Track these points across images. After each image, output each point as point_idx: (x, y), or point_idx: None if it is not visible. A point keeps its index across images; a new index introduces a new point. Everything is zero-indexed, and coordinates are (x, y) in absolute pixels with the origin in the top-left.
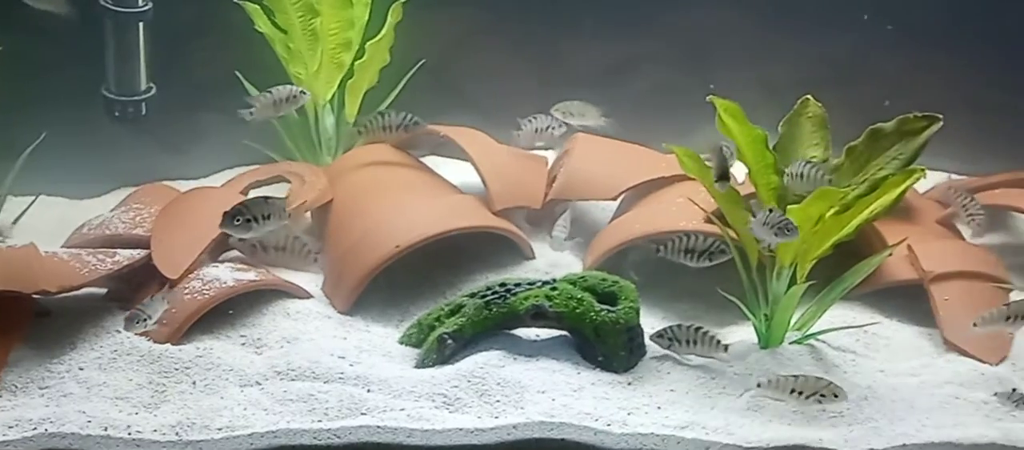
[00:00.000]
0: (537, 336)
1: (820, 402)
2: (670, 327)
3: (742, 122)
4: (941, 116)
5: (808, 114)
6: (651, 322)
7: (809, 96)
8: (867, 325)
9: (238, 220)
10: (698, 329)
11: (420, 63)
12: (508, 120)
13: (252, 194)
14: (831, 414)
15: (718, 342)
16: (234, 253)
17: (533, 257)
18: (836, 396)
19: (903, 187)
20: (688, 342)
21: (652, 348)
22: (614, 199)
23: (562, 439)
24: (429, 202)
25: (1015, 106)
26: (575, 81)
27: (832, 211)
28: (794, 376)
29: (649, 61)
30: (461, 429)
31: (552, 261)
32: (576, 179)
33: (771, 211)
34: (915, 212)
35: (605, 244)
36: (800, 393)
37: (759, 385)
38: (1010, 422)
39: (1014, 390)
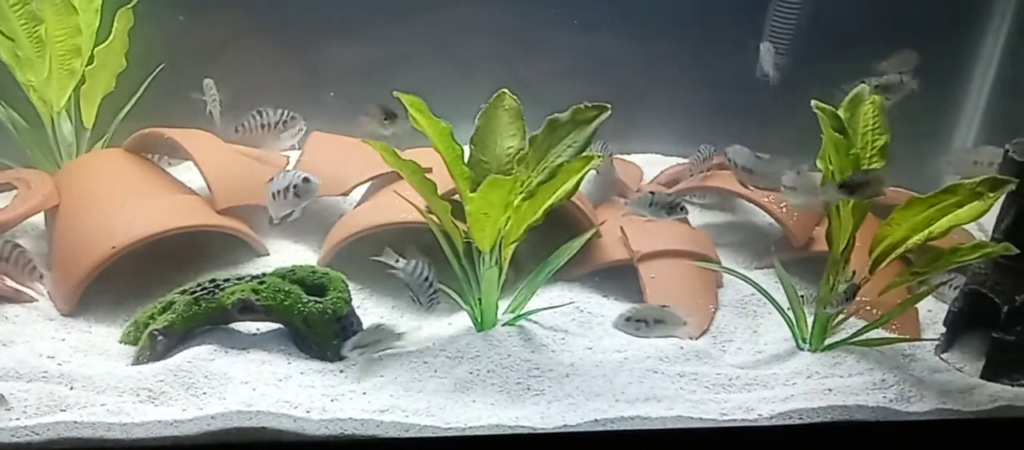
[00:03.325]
0: (257, 330)
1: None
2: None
3: (427, 116)
4: (609, 105)
5: (504, 107)
6: (380, 311)
7: (506, 90)
8: (568, 304)
9: None
10: (378, 327)
11: (160, 67)
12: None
13: None
14: (534, 392)
15: (392, 332)
16: None
17: (267, 254)
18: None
19: (581, 173)
20: (374, 342)
21: None
22: (345, 195)
23: (262, 427)
24: (149, 203)
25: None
26: (331, 80)
27: (520, 197)
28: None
29: (408, 60)
30: (161, 421)
31: (289, 257)
32: None
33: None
34: None
35: (334, 238)
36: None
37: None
38: (702, 393)
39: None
